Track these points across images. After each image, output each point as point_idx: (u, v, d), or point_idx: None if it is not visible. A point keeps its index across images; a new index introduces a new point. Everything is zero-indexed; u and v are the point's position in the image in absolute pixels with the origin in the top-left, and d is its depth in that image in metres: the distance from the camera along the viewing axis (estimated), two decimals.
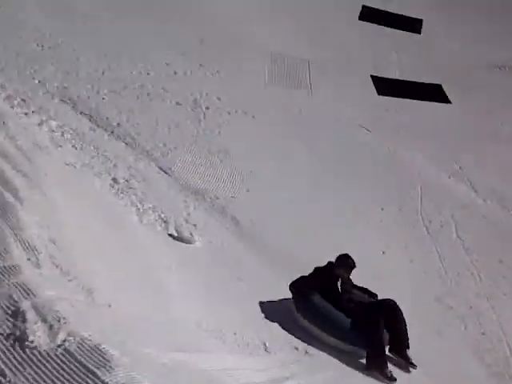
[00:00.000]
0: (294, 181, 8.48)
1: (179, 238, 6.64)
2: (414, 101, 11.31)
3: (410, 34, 13.40)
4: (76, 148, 7.76)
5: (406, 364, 5.68)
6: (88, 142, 7.99)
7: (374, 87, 11.47)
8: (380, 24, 13.47)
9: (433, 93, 11.57)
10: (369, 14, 13.66)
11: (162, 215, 6.95)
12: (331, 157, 9.36)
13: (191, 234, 6.74)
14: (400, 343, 5.73)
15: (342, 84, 11.25)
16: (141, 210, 6.92)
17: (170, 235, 6.69)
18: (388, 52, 12.57)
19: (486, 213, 8.87)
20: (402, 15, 13.77)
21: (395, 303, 5.75)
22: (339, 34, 12.81)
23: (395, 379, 5.42)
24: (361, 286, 6.08)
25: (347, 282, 6.00)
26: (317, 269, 5.99)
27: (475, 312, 6.88)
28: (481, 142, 10.34)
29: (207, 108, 9.56)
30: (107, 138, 8.30)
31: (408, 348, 5.70)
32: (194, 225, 6.97)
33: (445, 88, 11.66)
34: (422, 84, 11.75)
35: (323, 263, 5.94)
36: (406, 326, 5.73)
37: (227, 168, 8.39)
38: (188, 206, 7.40)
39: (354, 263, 5.94)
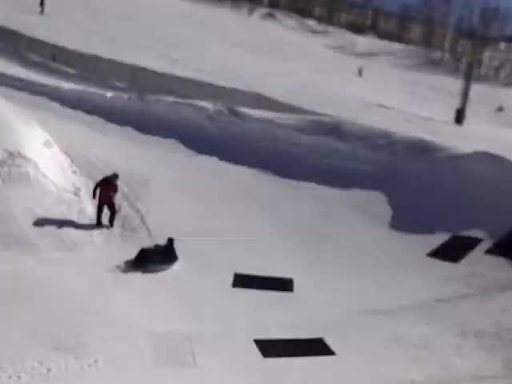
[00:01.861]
0: None
1: None
2: (300, 358, 11.19)
3: (284, 292, 13.81)
4: None
5: None
6: None
7: (258, 350, 11.32)
8: (253, 288, 13.85)
9: (317, 347, 11.59)
10: (241, 281, 14.09)
11: None
12: None
13: None
14: None
15: (227, 353, 11.06)
16: None
17: None
18: (266, 313, 12.72)
19: None
20: (273, 277, 14.32)
21: None
22: (216, 303, 12.95)
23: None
24: None
25: None
26: None
27: None
28: None
29: None
30: None
31: None
32: None
33: (327, 340, 11.74)
34: (305, 340, 11.80)
35: None
36: None
37: None
38: None
39: None
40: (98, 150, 20.34)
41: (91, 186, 16.71)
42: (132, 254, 14.65)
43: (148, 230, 15.89)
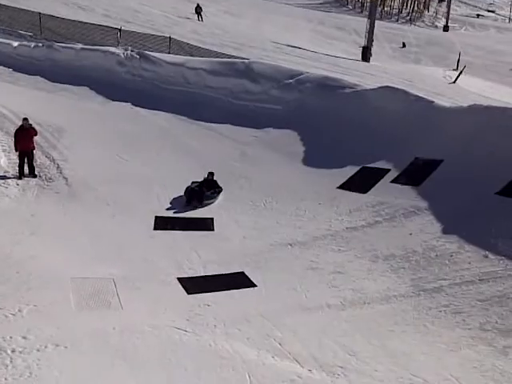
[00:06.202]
0: None
1: None
2: (224, 292, 11.64)
3: (205, 232, 14.12)
4: None
5: None
6: None
7: (182, 288, 11.66)
8: (175, 229, 14.07)
9: (238, 280, 12.05)
10: (162, 223, 14.26)
11: None
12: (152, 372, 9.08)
13: None
14: None
15: (152, 293, 11.33)
16: None
17: None
18: (188, 252, 13.04)
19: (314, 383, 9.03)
20: (194, 218, 14.58)
21: None
22: (138, 247, 13.12)
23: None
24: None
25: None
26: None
27: None
28: (291, 314, 10.79)
29: (13, 351, 8.97)
30: None
31: None
32: None
33: (248, 273, 12.23)
34: (226, 275, 12.25)
35: None
36: None
37: None
38: None
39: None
40: (7, 100, 19.72)
41: (2, 138, 16.32)
42: (50, 203, 14.55)
43: (65, 178, 15.72)
